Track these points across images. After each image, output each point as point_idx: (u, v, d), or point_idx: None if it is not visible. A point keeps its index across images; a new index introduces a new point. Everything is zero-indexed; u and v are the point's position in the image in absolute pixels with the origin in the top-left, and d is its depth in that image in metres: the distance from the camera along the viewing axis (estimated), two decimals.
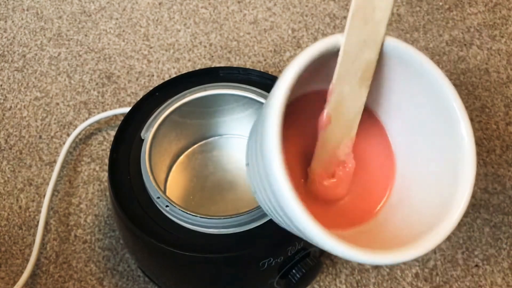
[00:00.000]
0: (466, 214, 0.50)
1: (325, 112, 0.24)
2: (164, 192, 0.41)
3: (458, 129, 0.22)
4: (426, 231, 0.23)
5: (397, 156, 0.26)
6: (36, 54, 0.63)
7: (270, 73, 0.54)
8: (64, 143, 0.54)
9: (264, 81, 0.46)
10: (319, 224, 0.21)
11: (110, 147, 0.42)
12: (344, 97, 0.23)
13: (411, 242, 0.23)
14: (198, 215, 0.37)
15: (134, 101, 0.57)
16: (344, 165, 0.25)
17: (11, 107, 0.58)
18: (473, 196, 0.51)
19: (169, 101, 0.43)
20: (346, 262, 0.47)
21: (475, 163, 0.23)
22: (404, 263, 0.47)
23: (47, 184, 0.51)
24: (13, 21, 0.66)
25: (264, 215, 0.37)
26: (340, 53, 0.23)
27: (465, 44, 0.62)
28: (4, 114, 0.57)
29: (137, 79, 0.60)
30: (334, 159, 0.25)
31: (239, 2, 0.67)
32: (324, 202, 0.26)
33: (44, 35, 0.65)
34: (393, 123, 0.26)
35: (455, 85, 0.59)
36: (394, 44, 0.23)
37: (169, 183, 0.46)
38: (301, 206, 0.21)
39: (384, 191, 0.26)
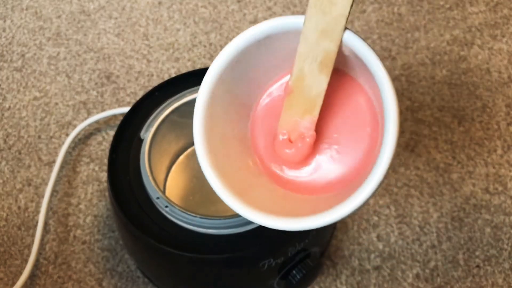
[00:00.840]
0: (467, 215, 0.49)
1: (288, 81, 0.27)
2: (164, 192, 0.41)
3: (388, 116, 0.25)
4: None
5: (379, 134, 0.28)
6: (35, 54, 0.62)
7: None
8: (63, 143, 0.53)
9: None
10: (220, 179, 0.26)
11: (110, 147, 0.41)
12: (305, 75, 0.26)
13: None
14: (198, 216, 0.37)
15: (133, 101, 0.57)
16: (303, 137, 0.27)
17: (10, 107, 0.58)
18: (474, 196, 0.50)
19: (169, 101, 0.43)
20: (346, 263, 0.47)
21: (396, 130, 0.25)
22: (405, 264, 0.47)
23: (46, 184, 0.51)
24: (12, 21, 0.66)
25: None
26: (301, 36, 0.26)
27: (466, 44, 0.62)
28: (3, 114, 0.57)
29: (136, 79, 0.60)
30: (296, 128, 0.27)
31: (239, 2, 0.67)
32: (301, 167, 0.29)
33: (43, 34, 0.64)
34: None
35: (456, 84, 0.59)
36: (350, 39, 0.25)
37: (168, 183, 0.46)
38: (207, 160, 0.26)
39: (358, 171, 0.28)
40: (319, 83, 0.26)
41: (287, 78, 0.29)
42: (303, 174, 0.29)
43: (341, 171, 0.29)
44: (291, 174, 0.30)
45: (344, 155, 0.29)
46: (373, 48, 0.26)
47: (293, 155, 0.28)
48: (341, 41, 0.25)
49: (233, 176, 0.28)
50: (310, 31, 0.25)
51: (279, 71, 0.30)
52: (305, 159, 0.29)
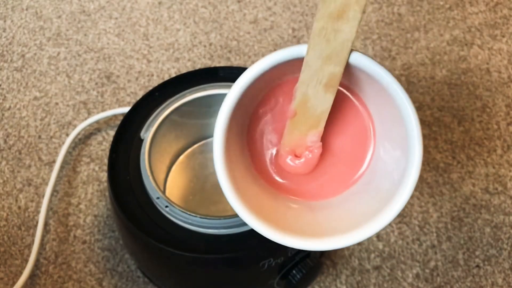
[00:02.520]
0: (466, 215, 0.49)
1: (291, 106, 0.27)
2: (164, 192, 0.41)
3: (412, 139, 0.26)
4: (369, 218, 0.26)
5: (377, 141, 0.29)
6: (35, 54, 0.62)
7: None
8: (63, 143, 0.53)
9: None
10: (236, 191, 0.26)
11: (110, 147, 0.41)
12: (309, 98, 0.27)
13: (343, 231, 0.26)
14: (198, 216, 0.37)
15: (133, 101, 0.57)
16: (311, 149, 0.28)
17: (10, 107, 0.58)
18: (474, 196, 0.50)
19: (169, 101, 0.43)
20: (346, 263, 0.47)
21: (421, 151, 0.26)
22: (405, 264, 0.47)
23: (47, 184, 0.51)
24: (12, 21, 0.66)
25: None
26: (303, 64, 0.25)
27: (466, 44, 0.62)
28: (3, 114, 0.57)
29: (136, 79, 0.60)
30: (301, 144, 0.28)
31: (239, 2, 0.67)
32: (301, 175, 0.30)
33: (44, 34, 0.64)
34: (373, 111, 0.29)
35: (455, 84, 0.59)
36: (360, 60, 0.26)
37: (168, 183, 0.46)
38: (224, 169, 0.26)
39: (357, 172, 0.29)
40: (325, 102, 0.27)
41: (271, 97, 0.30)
42: (309, 184, 0.30)
43: (343, 176, 0.30)
44: (295, 186, 0.31)
45: (342, 165, 0.30)
46: (381, 65, 0.26)
47: (302, 167, 0.29)
48: (347, 63, 0.26)
49: (258, 204, 0.28)
50: (314, 59, 0.25)
51: (261, 94, 0.30)
52: (312, 170, 0.29)
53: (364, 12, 0.27)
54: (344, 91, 0.29)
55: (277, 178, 0.31)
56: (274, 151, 0.30)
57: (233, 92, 0.27)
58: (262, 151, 0.31)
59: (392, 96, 0.26)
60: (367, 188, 0.29)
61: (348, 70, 0.26)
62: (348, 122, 0.30)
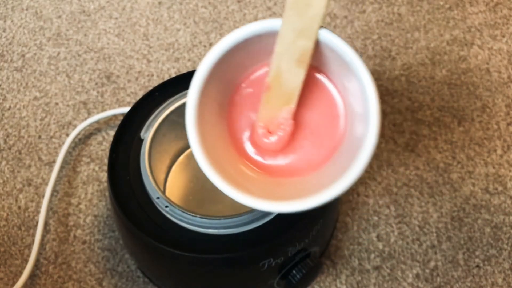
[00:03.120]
0: (467, 215, 0.49)
1: (266, 79, 0.29)
2: (164, 192, 0.41)
3: (368, 101, 0.27)
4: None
5: (347, 119, 0.31)
6: (35, 54, 0.62)
7: None
8: (63, 143, 0.53)
9: None
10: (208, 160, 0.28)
11: (110, 147, 0.41)
12: (282, 72, 0.28)
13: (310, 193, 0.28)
14: (198, 216, 0.37)
15: (133, 101, 0.57)
16: (282, 127, 0.30)
17: (10, 107, 0.58)
18: (474, 196, 0.50)
19: (169, 101, 0.43)
20: (346, 263, 0.47)
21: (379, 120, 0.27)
22: (405, 264, 0.47)
23: (47, 184, 0.51)
24: (12, 21, 0.66)
25: (264, 215, 0.37)
26: (278, 36, 0.27)
27: (466, 44, 0.62)
28: (3, 114, 0.57)
29: (136, 79, 0.60)
30: (274, 120, 0.30)
31: (239, 2, 0.67)
32: (278, 153, 0.31)
33: (44, 34, 0.64)
34: (341, 88, 0.31)
35: (455, 84, 0.59)
36: (327, 36, 0.28)
37: (168, 183, 0.46)
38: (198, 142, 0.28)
39: (329, 149, 0.30)
40: (297, 77, 0.28)
41: (256, 74, 0.31)
42: (282, 161, 0.31)
43: (316, 154, 0.31)
44: (270, 162, 0.32)
45: (316, 140, 0.31)
46: (349, 45, 0.28)
47: (274, 144, 0.30)
48: (317, 39, 0.27)
49: (226, 169, 0.30)
50: (287, 32, 0.27)
51: (246, 69, 0.31)
52: (285, 147, 0.30)
53: None
54: (316, 73, 0.31)
55: (252, 155, 0.32)
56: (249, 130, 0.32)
57: (209, 56, 0.29)
58: (240, 125, 0.32)
59: (355, 72, 0.27)
60: (338, 161, 0.30)
61: (317, 49, 0.28)
62: (320, 101, 0.31)
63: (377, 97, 0.27)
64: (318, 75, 0.31)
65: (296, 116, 0.30)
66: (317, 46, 0.28)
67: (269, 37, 0.28)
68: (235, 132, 0.32)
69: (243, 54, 0.30)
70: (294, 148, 0.31)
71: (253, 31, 0.28)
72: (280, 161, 0.32)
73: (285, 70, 0.28)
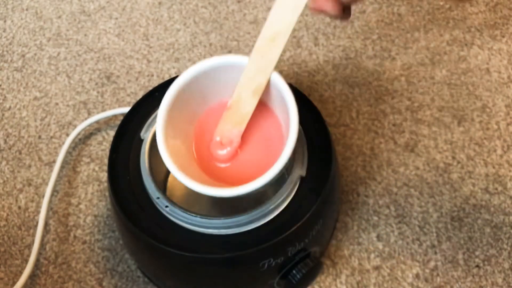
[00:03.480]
0: (466, 215, 0.49)
1: (229, 101, 0.36)
2: (164, 192, 0.41)
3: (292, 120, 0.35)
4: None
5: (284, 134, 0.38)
6: (35, 54, 0.63)
7: None
8: (63, 143, 0.54)
9: None
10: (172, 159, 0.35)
11: (110, 147, 0.42)
12: (241, 99, 0.36)
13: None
14: (198, 216, 0.37)
15: (133, 101, 0.57)
16: (232, 142, 0.37)
17: (10, 107, 0.58)
18: (474, 196, 0.50)
19: None
20: (346, 263, 0.47)
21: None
22: (405, 264, 0.47)
23: (47, 184, 0.51)
24: (12, 21, 0.66)
25: (264, 215, 0.37)
26: (244, 70, 0.35)
27: (466, 44, 0.62)
28: (3, 114, 0.57)
29: (136, 79, 0.60)
30: (228, 135, 0.37)
31: (239, 2, 0.67)
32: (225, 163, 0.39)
33: (44, 35, 0.64)
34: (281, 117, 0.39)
35: (455, 84, 0.59)
36: (275, 78, 0.36)
37: (169, 183, 0.46)
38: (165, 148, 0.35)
39: (277, 157, 0.35)
40: (250, 105, 0.36)
41: (220, 103, 0.39)
42: (229, 167, 0.39)
43: (256, 166, 0.37)
44: (220, 166, 0.39)
45: (258, 155, 0.38)
46: (290, 87, 0.35)
47: (223, 155, 0.38)
48: (269, 79, 0.35)
49: (182, 163, 0.36)
50: (251, 68, 0.35)
51: (213, 98, 0.39)
52: (231, 158, 0.38)
53: (285, 42, 0.34)
54: (268, 104, 0.39)
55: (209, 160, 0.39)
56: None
57: (181, 77, 0.37)
58: (204, 139, 0.39)
59: (287, 105, 0.35)
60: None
61: (268, 88, 0.36)
62: (265, 125, 0.39)
63: (297, 127, 0.34)
64: (268, 106, 0.39)
65: (249, 134, 0.38)
66: (269, 85, 0.36)
67: (232, 70, 0.36)
68: (199, 142, 0.39)
69: (209, 84, 0.38)
70: (242, 159, 0.38)
71: (221, 62, 0.36)
72: (229, 166, 0.39)
73: (243, 98, 0.36)
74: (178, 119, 0.37)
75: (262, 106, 0.38)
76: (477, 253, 0.48)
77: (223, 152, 0.38)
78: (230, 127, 0.37)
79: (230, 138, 0.37)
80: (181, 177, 0.35)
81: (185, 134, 0.39)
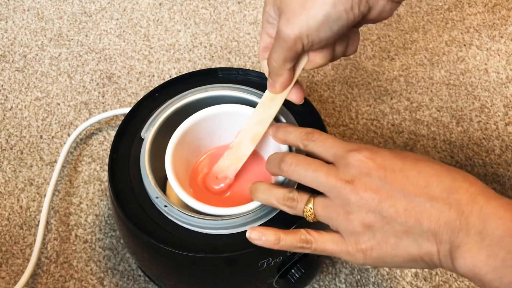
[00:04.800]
0: None
1: (232, 141, 0.42)
2: (164, 192, 0.41)
3: None
4: None
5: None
6: (37, 55, 0.63)
7: None
8: (64, 143, 0.54)
9: (262, 82, 0.46)
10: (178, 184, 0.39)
11: (110, 147, 0.42)
12: (242, 142, 0.41)
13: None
14: (197, 216, 0.37)
15: (134, 101, 0.57)
16: (227, 178, 0.42)
17: (12, 107, 0.58)
18: None
19: (169, 101, 0.44)
20: (345, 262, 0.47)
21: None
22: None
23: (48, 184, 0.52)
24: (14, 22, 0.66)
25: (263, 216, 0.37)
26: (249, 119, 0.41)
27: (464, 45, 0.62)
28: (5, 114, 0.58)
29: (137, 80, 0.60)
30: (224, 171, 0.42)
31: (239, 3, 0.67)
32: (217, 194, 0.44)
33: (45, 35, 0.65)
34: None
35: (454, 85, 0.59)
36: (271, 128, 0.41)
37: (168, 184, 0.46)
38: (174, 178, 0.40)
39: None
40: (248, 148, 0.41)
41: (216, 148, 0.46)
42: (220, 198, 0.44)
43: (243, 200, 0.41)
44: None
45: (245, 192, 0.42)
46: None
47: (218, 189, 0.43)
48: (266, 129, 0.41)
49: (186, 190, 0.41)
50: (253, 118, 0.41)
51: (207, 148, 0.46)
52: (225, 192, 0.43)
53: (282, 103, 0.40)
54: (256, 151, 0.45)
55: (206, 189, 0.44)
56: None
57: (184, 124, 0.43)
58: (198, 173, 0.45)
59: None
60: None
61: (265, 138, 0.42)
62: (257, 168, 0.44)
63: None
64: (257, 155, 0.45)
65: (237, 175, 0.43)
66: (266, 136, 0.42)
67: (230, 117, 0.44)
68: (195, 174, 0.45)
69: (206, 130, 0.44)
70: (232, 193, 0.44)
71: (222, 110, 0.43)
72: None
73: (243, 141, 0.41)
74: (180, 160, 0.43)
75: (257, 154, 0.45)
76: None
77: (217, 187, 0.43)
78: (227, 165, 0.42)
79: (225, 175, 0.42)
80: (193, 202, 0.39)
81: (185, 173, 0.45)
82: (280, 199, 0.35)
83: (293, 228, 0.36)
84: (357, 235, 0.32)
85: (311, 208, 0.34)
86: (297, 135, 0.37)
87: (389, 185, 0.30)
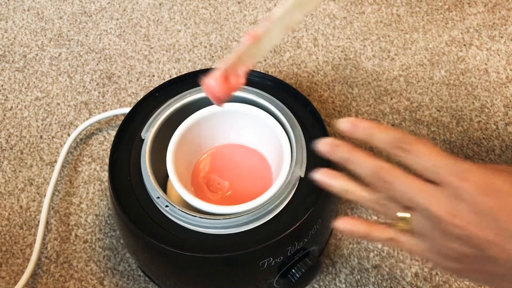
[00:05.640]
0: None
1: (258, 31, 0.34)
2: (164, 192, 0.41)
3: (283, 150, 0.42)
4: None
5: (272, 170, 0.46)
6: (37, 55, 0.63)
7: (270, 73, 0.54)
8: (64, 143, 0.54)
9: (263, 82, 0.46)
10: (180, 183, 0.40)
11: (111, 147, 0.42)
12: (270, 32, 0.34)
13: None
14: (198, 216, 0.37)
15: (134, 101, 0.57)
16: (238, 76, 0.36)
17: (12, 107, 0.58)
18: None
19: (170, 101, 0.44)
20: (345, 262, 0.47)
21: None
22: (404, 263, 0.47)
23: (48, 184, 0.52)
24: (14, 22, 0.66)
25: (264, 215, 0.37)
26: (283, 6, 0.33)
27: (464, 45, 0.62)
28: (5, 114, 0.58)
29: (137, 80, 0.60)
30: (235, 68, 0.36)
31: (239, 3, 0.67)
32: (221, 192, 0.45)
33: (45, 35, 0.65)
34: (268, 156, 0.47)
35: (454, 85, 0.59)
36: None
37: (169, 183, 0.46)
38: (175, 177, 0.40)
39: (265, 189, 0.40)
40: (275, 40, 0.35)
41: (217, 147, 0.47)
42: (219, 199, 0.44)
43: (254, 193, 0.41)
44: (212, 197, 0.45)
45: (249, 189, 0.44)
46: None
47: (215, 199, 0.43)
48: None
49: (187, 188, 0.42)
50: (292, 6, 0.33)
51: (208, 147, 0.47)
52: (221, 200, 0.44)
53: None
54: (256, 150, 0.47)
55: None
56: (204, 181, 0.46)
57: (184, 122, 0.43)
58: (199, 172, 0.46)
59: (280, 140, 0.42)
60: None
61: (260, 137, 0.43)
62: (258, 166, 0.45)
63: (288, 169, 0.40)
64: (257, 154, 0.46)
65: (235, 175, 0.44)
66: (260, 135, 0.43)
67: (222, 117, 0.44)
68: (197, 173, 0.46)
69: (206, 131, 0.45)
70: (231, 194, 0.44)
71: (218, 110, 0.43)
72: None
73: (271, 32, 0.34)
74: (181, 159, 0.43)
75: (256, 152, 0.46)
76: None
77: (213, 197, 0.43)
78: (240, 61, 0.36)
79: (236, 72, 0.36)
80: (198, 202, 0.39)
81: (186, 162, 0.45)
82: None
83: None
84: (447, 259, 0.30)
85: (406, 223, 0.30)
86: (385, 138, 0.32)
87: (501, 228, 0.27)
